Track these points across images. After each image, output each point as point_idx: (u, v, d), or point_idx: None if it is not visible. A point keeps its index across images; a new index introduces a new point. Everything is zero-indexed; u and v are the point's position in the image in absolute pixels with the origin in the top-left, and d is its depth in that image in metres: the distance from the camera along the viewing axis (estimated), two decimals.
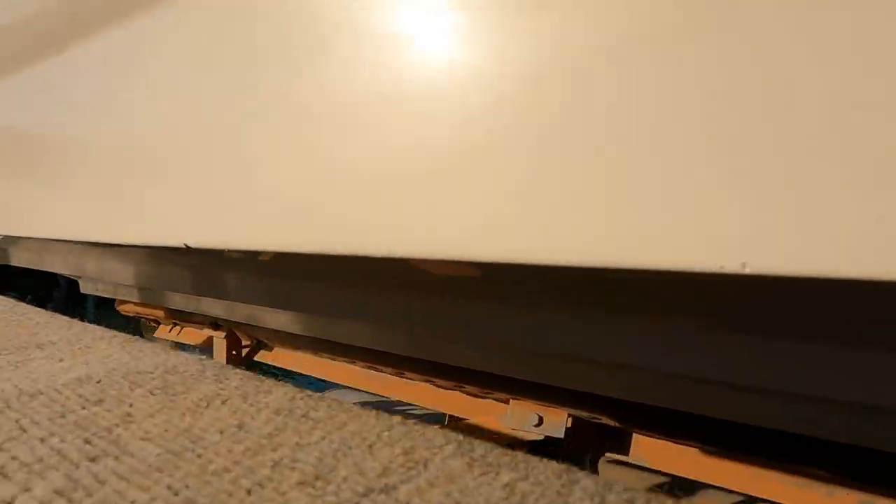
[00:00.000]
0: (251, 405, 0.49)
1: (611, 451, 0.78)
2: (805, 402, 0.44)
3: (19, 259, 1.82)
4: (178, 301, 1.20)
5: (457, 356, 0.70)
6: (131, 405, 0.49)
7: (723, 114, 0.28)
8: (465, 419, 0.86)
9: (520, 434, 0.76)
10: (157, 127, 0.68)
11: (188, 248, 0.68)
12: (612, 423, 0.71)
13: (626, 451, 0.75)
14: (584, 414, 0.72)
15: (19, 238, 1.55)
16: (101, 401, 0.49)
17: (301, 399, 0.51)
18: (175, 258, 1.00)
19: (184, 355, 0.65)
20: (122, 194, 0.75)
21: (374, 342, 0.80)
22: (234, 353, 1.30)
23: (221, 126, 0.58)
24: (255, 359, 1.32)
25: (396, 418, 0.47)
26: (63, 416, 0.45)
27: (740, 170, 0.28)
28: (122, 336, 0.74)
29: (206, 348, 1.39)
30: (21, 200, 1.02)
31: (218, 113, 0.59)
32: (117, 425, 0.44)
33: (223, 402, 0.50)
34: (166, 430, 0.43)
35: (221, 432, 0.43)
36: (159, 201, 0.69)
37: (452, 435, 0.43)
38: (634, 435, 0.74)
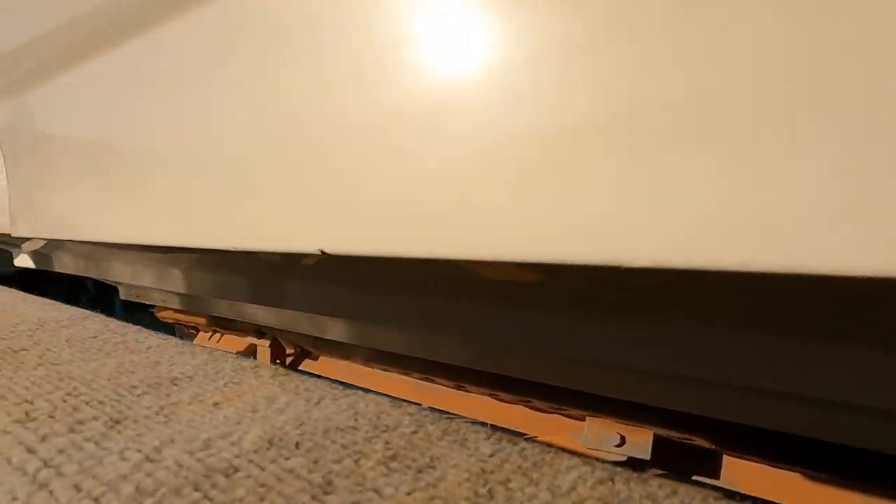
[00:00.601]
0: (551, 490, 0.33)
1: (698, 475, 0.69)
2: None
3: (63, 265, 1.73)
4: (222, 308, 1.12)
5: (524, 369, 0.62)
6: (376, 491, 0.32)
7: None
8: (533, 437, 0.77)
9: (599, 454, 0.69)
10: (288, 125, 0.55)
11: (323, 253, 0.55)
12: (704, 443, 0.62)
13: (716, 475, 0.67)
14: (671, 433, 0.63)
15: (63, 244, 1.46)
16: (329, 484, 0.33)
17: (617, 478, 0.34)
18: (225, 264, 0.90)
19: (368, 396, 0.49)
20: (239, 199, 0.61)
21: (431, 352, 0.71)
22: (277, 361, 1.23)
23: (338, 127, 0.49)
24: (301, 368, 1.26)
25: None
26: None
27: None
28: (264, 366, 0.59)
29: (248, 356, 1.31)
30: (108, 206, 0.88)
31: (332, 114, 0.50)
32: None
33: (505, 486, 0.33)
34: None
35: None
36: (290, 207, 0.56)
37: None
38: (725, 457, 0.66)
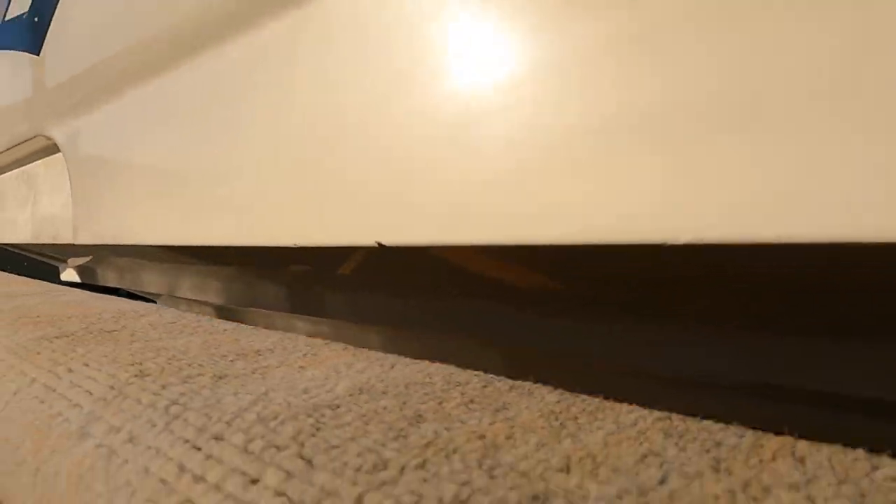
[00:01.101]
0: (616, 423, 0.37)
1: None
2: None
3: (105, 279, 1.81)
4: (256, 319, 1.17)
5: (553, 379, 0.64)
6: (461, 422, 0.37)
7: None
8: None
9: None
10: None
11: (381, 245, 0.60)
12: None
13: None
14: None
15: (106, 259, 1.55)
16: (420, 417, 0.38)
17: (674, 417, 0.39)
18: (261, 275, 0.95)
19: (436, 364, 0.54)
20: (294, 197, 0.66)
21: (459, 361, 0.74)
22: None
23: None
24: None
25: None
26: (403, 435, 0.34)
27: None
28: (334, 343, 0.64)
29: None
30: (165, 213, 0.95)
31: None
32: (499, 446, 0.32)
33: (575, 420, 0.38)
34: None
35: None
36: (347, 202, 0.61)
37: None
38: None
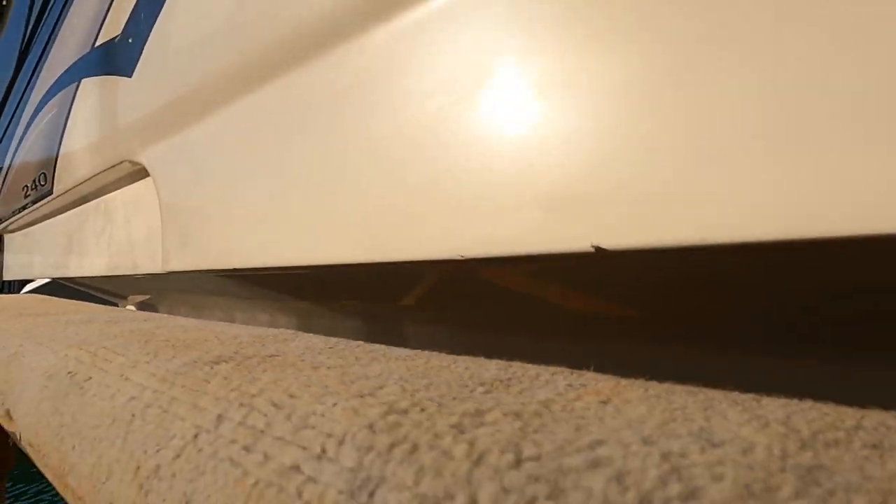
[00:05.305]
0: None
1: None
2: None
3: (167, 312, 1.82)
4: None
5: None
6: None
7: None
8: None
9: None
10: None
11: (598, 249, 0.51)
12: None
13: None
14: None
15: (167, 294, 1.60)
16: None
17: None
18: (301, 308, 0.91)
19: None
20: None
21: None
22: None
23: None
24: None
25: None
26: None
27: None
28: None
29: None
30: (262, 235, 0.87)
31: None
32: None
33: None
34: None
35: None
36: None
37: None
38: None
